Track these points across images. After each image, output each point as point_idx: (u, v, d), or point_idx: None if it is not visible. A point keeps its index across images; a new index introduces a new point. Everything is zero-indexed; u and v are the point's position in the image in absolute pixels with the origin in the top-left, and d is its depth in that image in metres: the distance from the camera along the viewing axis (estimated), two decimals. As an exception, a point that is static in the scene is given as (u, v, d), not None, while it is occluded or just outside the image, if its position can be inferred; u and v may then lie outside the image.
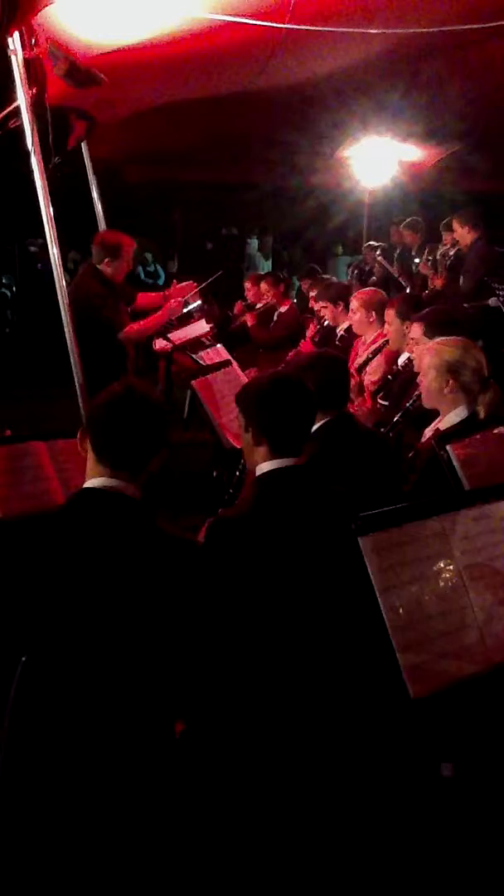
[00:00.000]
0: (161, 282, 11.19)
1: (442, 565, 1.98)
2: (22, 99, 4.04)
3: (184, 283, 5.57)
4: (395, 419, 3.79)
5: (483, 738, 2.03)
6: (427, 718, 1.89)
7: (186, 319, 5.86)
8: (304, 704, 2.11)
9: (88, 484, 2.06)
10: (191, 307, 5.75)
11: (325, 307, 5.79)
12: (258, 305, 7.63)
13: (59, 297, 4.34)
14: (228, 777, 2.12)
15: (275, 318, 7.27)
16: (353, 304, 5.08)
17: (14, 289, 12.30)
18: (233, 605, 2.10)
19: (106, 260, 4.95)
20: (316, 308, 6.30)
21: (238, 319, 7.61)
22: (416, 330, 3.85)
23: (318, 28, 4.37)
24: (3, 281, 12.25)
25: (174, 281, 5.87)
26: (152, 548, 2.00)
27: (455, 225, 6.66)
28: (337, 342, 5.52)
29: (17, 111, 4.14)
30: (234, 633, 2.08)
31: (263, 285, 7.46)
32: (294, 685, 2.11)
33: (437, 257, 7.83)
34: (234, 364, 4.65)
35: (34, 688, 1.80)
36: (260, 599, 2.14)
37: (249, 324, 7.27)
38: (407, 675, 1.84)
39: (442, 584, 1.97)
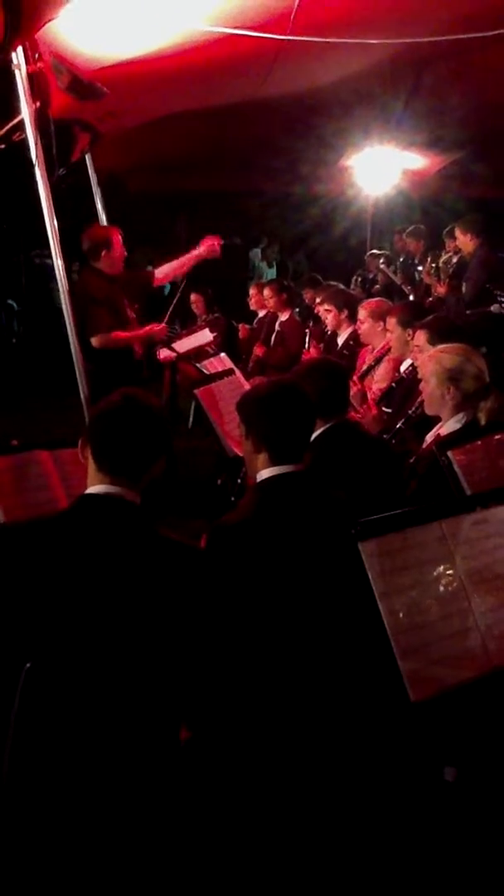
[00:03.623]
0: (167, 291, 11.22)
1: (442, 569, 1.99)
2: (26, 112, 4.08)
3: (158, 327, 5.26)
4: (398, 426, 3.80)
5: (485, 741, 2.04)
6: (428, 722, 1.90)
7: (191, 329, 5.88)
8: (306, 709, 2.12)
9: (89, 491, 2.07)
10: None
11: (329, 311, 5.66)
12: (261, 314, 7.63)
13: (64, 308, 4.38)
14: (232, 783, 2.13)
15: (276, 326, 7.13)
16: (361, 314, 5.08)
17: (20, 300, 12.38)
18: (234, 610, 2.11)
19: (103, 252, 4.96)
20: (319, 311, 6.18)
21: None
22: (420, 337, 3.87)
23: (319, 39, 4.40)
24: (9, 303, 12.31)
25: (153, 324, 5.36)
26: (153, 553, 2.01)
27: (457, 232, 6.70)
28: (344, 351, 5.51)
29: (21, 124, 4.19)
30: (236, 638, 2.09)
31: (266, 291, 7.26)
32: (295, 689, 2.12)
33: (440, 265, 7.84)
34: (238, 373, 4.68)
35: (38, 694, 1.81)
36: (261, 605, 2.15)
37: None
38: (407, 679, 1.85)
39: (442, 588, 1.98)
